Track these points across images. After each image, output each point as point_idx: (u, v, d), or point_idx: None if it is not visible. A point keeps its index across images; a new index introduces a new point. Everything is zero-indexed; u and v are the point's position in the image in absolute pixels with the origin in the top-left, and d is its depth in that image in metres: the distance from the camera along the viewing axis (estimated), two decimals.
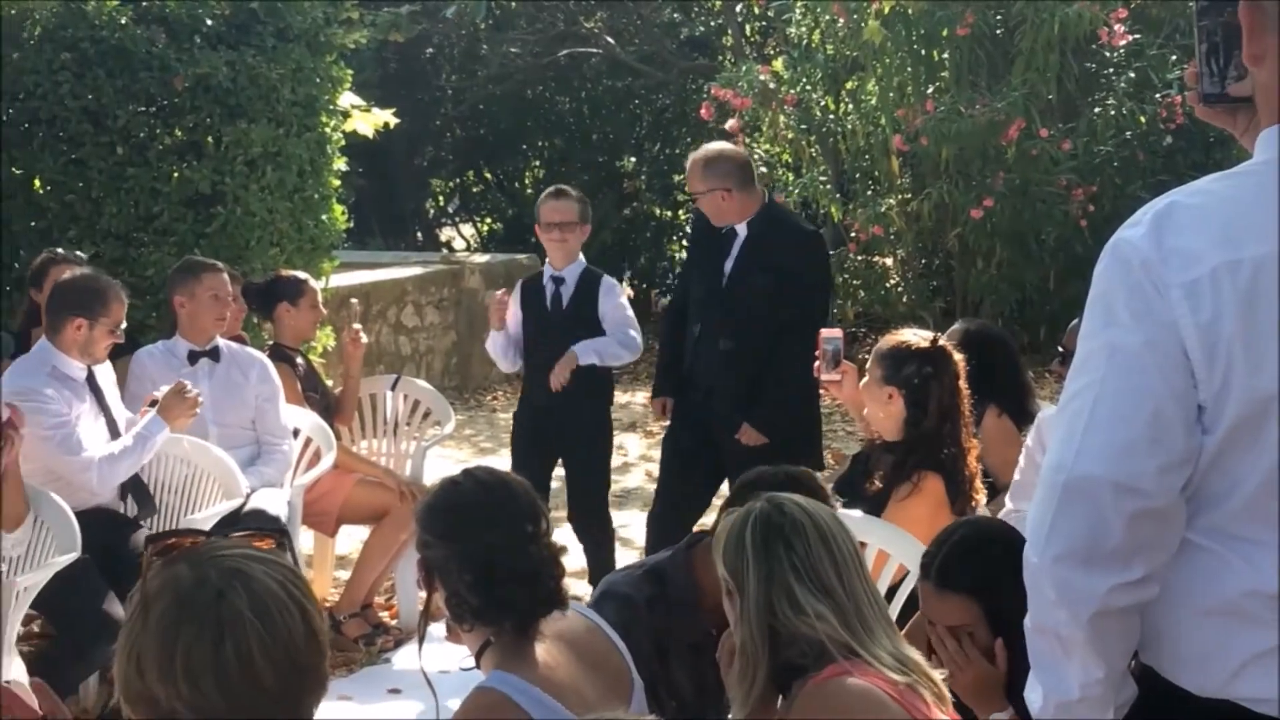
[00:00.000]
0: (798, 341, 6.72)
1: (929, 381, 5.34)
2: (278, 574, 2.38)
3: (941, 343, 5.46)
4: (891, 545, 5.13)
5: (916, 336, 5.52)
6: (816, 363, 5.97)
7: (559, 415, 7.48)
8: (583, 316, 7.56)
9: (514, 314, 7.79)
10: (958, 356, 5.43)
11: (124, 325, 6.53)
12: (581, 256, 7.73)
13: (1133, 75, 13.71)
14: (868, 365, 5.55)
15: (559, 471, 7.78)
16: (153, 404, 6.55)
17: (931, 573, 3.75)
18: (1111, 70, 14.00)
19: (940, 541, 3.83)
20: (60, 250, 7.44)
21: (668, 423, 7.58)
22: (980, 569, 3.60)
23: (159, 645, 2.32)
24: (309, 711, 2.42)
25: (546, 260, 7.79)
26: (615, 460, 8.39)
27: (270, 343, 8.03)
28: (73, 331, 6.33)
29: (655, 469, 8.04)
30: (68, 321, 6.34)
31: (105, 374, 6.60)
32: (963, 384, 5.40)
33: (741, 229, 7.10)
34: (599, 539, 7.58)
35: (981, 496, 5.38)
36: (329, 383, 8.30)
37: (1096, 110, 13.77)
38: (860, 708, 3.05)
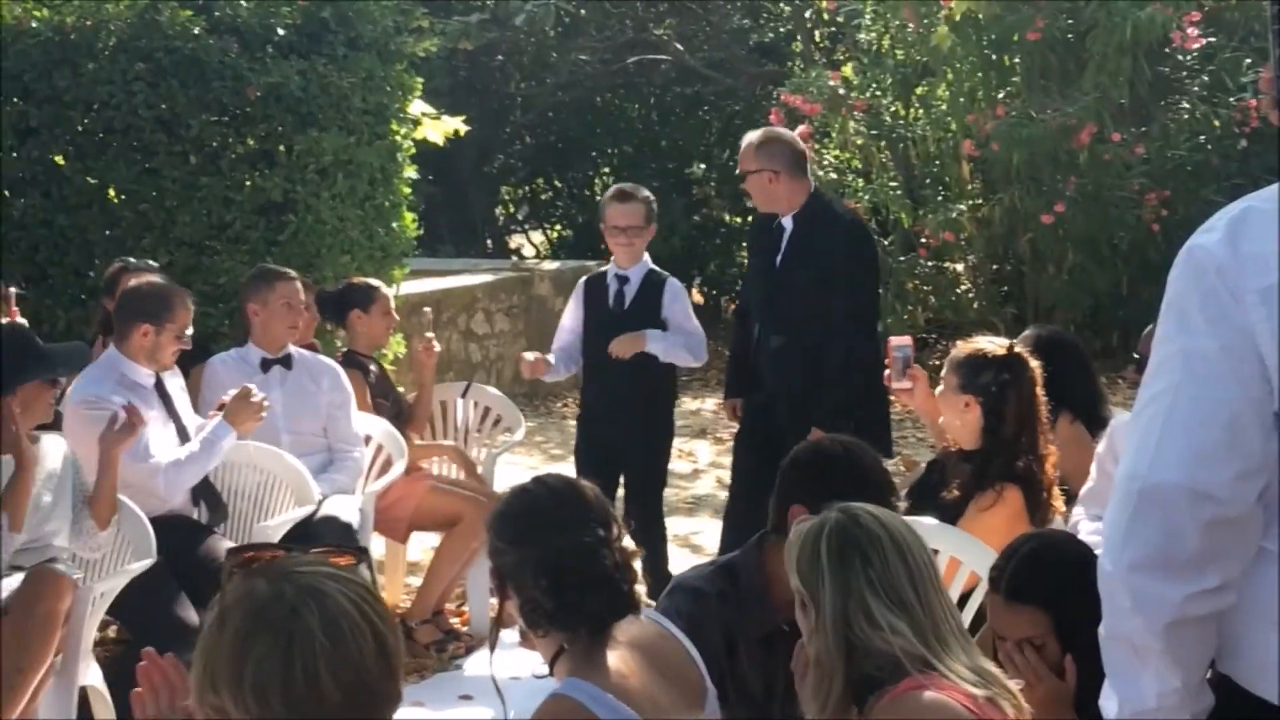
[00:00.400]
0: (849, 336, 6.78)
1: (1006, 390, 5.30)
2: (353, 593, 2.39)
3: (1018, 350, 5.43)
4: (964, 553, 5.10)
5: (992, 344, 5.48)
6: (886, 370, 5.95)
7: (618, 419, 7.50)
8: (645, 317, 7.54)
9: (574, 313, 7.83)
10: (1034, 364, 5.39)
11: (190, 331, 6.54)
12: (647, 257, 7.71)
13: (1206, 79, 13.61)
14: (943, 373, 5.51)
15: None
16: (221, 408, 6.58)
17: (1001, 585, 3.72)
18: (1185, 74, 13.89)
19: (1009, 554, 3.80)
20: (133, 259, 7.50)
21: (737, 425, 7.56)
22: (1051, 581, 3.58)
23: (231, 658, 2.33)
24: None
25: (611, 259, 7.77)
26: (685, 467, 8.39)
27: (343, 350, 8.06)
28: (139, 338, 6.36)
29: (725, 475, 8.03)
30: (134, 328, 6.36)
31: (174, 381, 6.62)
32: (1040, 392, 5.37)
33: (788, 223, 7.07)
34: (653, 543, 7.54)
35: (1060, 504, 5.34)
36: (400, 390, 8.31)
37: (1170, 114, 13.68)
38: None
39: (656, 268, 7.75)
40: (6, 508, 5.52)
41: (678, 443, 8.18)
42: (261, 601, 2.36)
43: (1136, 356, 6.16)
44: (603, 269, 7.89)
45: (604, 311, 7.68)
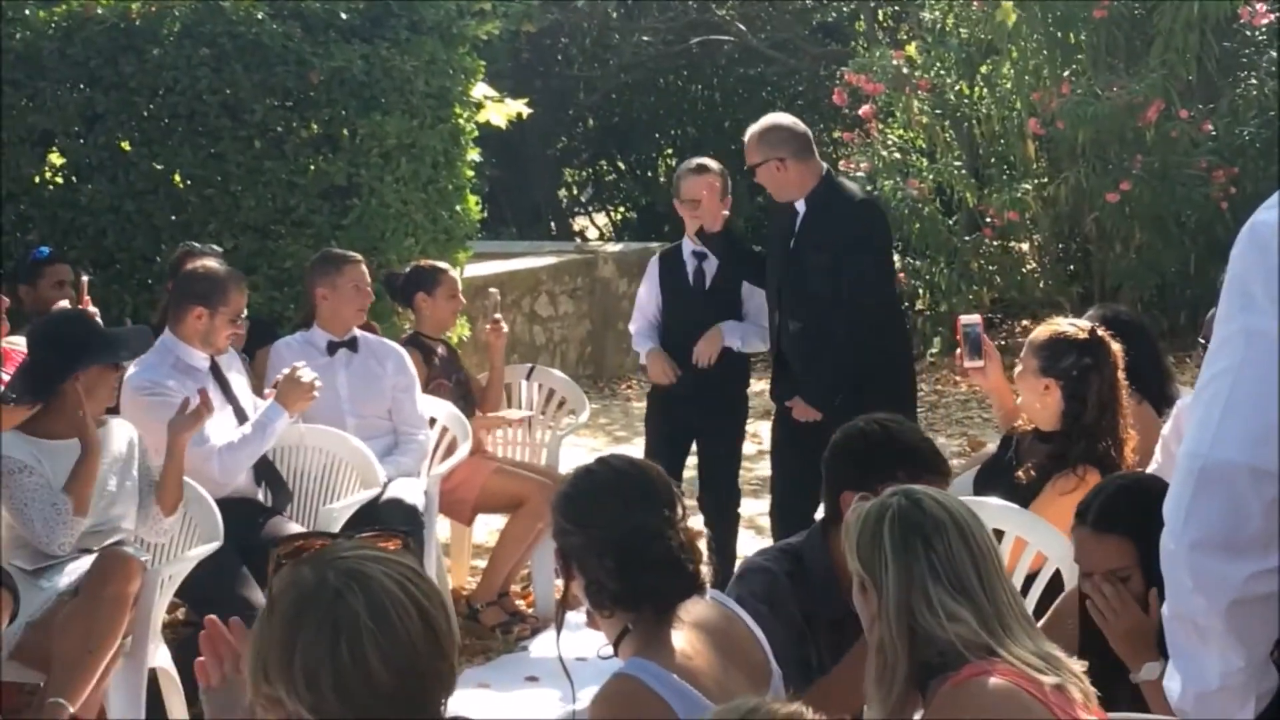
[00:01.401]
0: (854, 311, 6.67)
1: (1088, 374, 5.28)
2: (397, 573, 2.39)
3: (1101, 334, 5.40)
4: (1030, 534, 5.10)
5: (1074, 326, 5.46)
6: (958, 350, 5.92)
7: (694, 398, 7.41)
8: (728, 294, 7.50)
9: (650, 290, 7.73)
10: (1116, 347, 5.37)
11: (245, 315, 6.59)
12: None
13: (1275, 54, 13.51)
14: (1023, 355, 5.49)
15: (692, 459, 7.76)
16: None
17: (1089, 517, 3.89)
18: (1253, 49, 13.80)
19: (1098, 490, 4.00)
20: (197, 244, 7.53)
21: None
22: (1139, 513, 3.59)
23: (280, 646, 2.35)
24: (434, 711, 2.44)
25: (685, 235, 7.61)
26: (750, 448, 8.36)
27: (409, 332, 8.10)
28: (194, 321, 6.38)
29: None
30: (189, 311, 6.39)
31: (231, 364, 6.65)
32: (1121, 376, 5.35)
33: (801, 206, 6.91)
34: (727, 524, 7.56)
35: None
36: (467, 372, 8.32)
37: (1238, 90, 13.59)
38: (1002, 707, 3.01)
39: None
40: (71, 492, 5.57)
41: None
42: (306, 588, 2.37)
43: (1203, 342, 6.14)
44: (676, 244, 7.79)
45: (684, 290, 7.61)
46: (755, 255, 7.55)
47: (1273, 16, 13.12)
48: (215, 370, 6.51)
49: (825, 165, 7.12)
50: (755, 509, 8.15)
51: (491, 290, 8.26)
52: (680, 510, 3.51)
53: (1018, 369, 5.54)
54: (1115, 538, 3.85)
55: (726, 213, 7.51)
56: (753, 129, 7.13)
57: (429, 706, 2.41)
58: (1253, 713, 2.49)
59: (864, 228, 6.92)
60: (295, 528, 6.40)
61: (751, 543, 7.72)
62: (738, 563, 5.74)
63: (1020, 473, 5.45)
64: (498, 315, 8.06)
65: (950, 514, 3.21)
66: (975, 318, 5.93)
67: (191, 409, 5.87)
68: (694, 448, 7.75)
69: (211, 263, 6.63)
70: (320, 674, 2.32)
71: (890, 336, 7.02)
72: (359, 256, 7.39)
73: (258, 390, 6.79)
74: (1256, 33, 13.51)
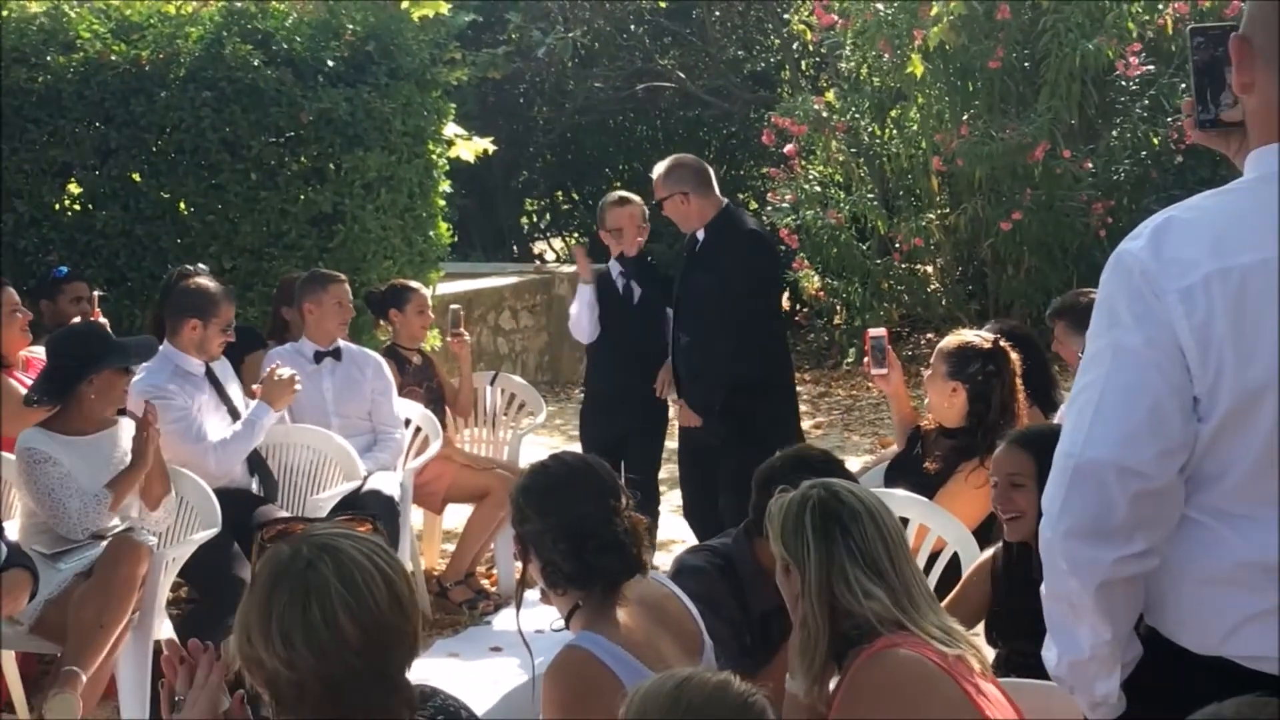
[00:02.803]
0: (737, 330, 6.62)
1: (991, 379, 5.34)
2: (365, 547, 2.41)
3: (1002, 344, 5.44)
4: (931, 520, 5.13)
5: (979, 337, 5.50)
6: (865, 359, 5.94)
7: (624, 407, 7.37)
8: (653, 304, 7.41)
9: (579, 307, 7.65)
10: (1015, 356, 5.42)
11: (234, 324, 6.57)
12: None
13: (1147, 102, 13.59)
14: (932, 361, 5.54)
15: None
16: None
17: (1011, 437, 4.43)
18: (1128, 98, 13.87)
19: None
20: (188, 266, 7.39)
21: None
22: (1045, 442, 3.72)
23: (259, 612, 2.36)
24: (399, 668, 2.44)
25: (611, 258, 7.57)
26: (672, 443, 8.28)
27: (387, 343, 8.09)
28: (189, 331, 6.38)
29: None
30: (184, 323, 6.39)
31: (223, 369, 6.64)
32: (1019, 381, 5.39)
33: (701, 233, 6.87)
34: (649, 518, 7.46)
35: None
36: (453, 380, 8.28)
37: (1114, 133, 13.66)
38: (911, 676, 3.02)
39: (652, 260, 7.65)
40: (114, 489, 5.58)
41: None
42: (282, 560, 2.38)
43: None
44: (605, 267, 7.70)
45: (616, 303, 7.56)
46: (663, 278, 7.53)
47: (1145, 69, 13.21)
48: (210, 375, 6.49)
49: (725, 200, 7.04)
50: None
51: (452, 306, 8.21)
52: (624, 499, 3.52)
53: (927, 373, 5.57)
54: (1023, 452, 4.23)
55: (643, 240, 7.51)
56: (659, 167, 7.04)
57: (392, 663, 2.41)
58: (1119, 679, 2.52)
59: (753, 257, 6.84)
60: (283, 515, 6.39)
61: (681, 527, 7.66)
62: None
63: (929, 464, 5.49)
64: (460, 329, 8.03)
65: (864, 503, 3.23)
66: (881, 331, 5.95)
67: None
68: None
69: (203, 280, 6.61)
70: (294, 632, 2.32)
71: (770, 355, 6.91)
72: (343, 276, 7.39)
73: (248, 391, 6.76)
74: (1130, 83, 13.58)
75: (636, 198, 7.64)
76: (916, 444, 5.70)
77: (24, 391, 6.15)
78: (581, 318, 7.64)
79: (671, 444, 7.62)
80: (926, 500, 5.21)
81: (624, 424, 7.46)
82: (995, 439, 5.15)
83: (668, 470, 7.84)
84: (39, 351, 6.32)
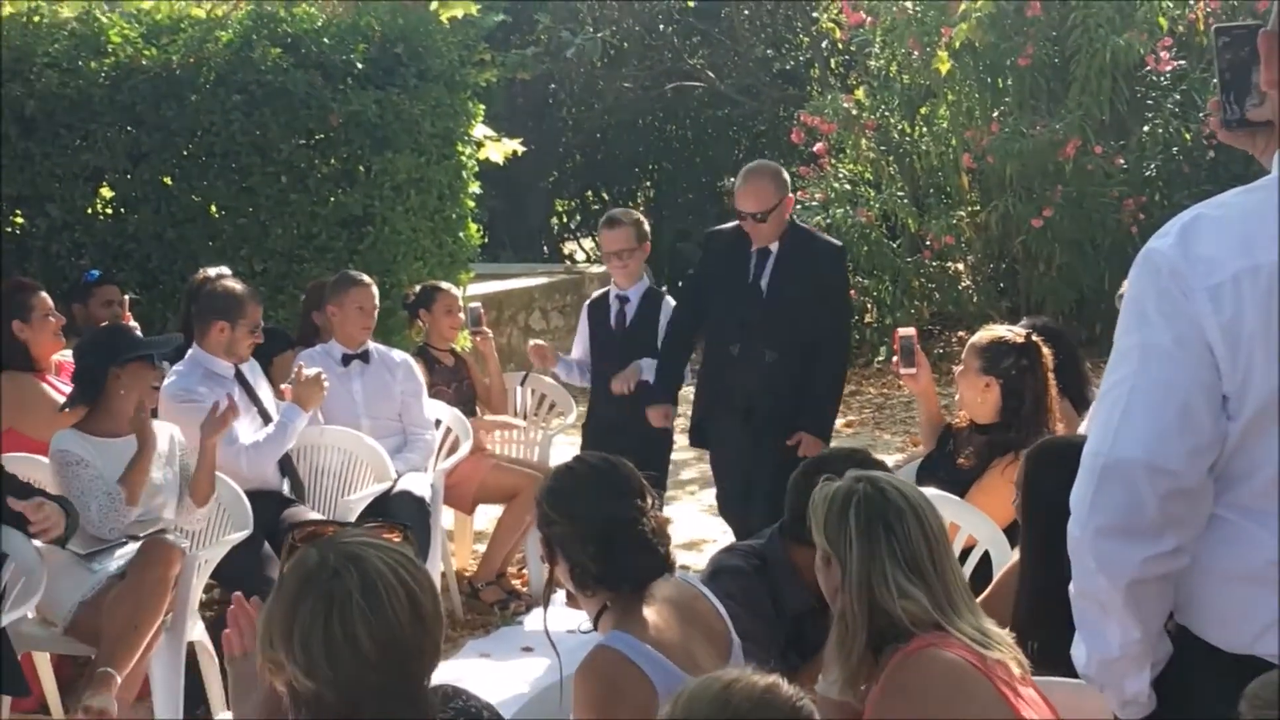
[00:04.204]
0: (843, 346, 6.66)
1: (1025, 374, 5.33)
2: (391, 559, 2.40)
3: (1035, 339, 5.43)
4: (962, 520, 5.11)
5: (1012, 332, 5.48)
6: (894, 358, 5.92)
7: (624, 429, 6.93)
8: (645, 336, 7.22)
9: (582, 333, 7.58)
10: (1047, 351, 5.40)
11: (261, 325, 6.58)
12: (645, 277, 7.45)
13: (1178, 97, 13.54)
14: (964, 357, 5.51)
15: None
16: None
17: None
18: (1159, 93, 13.82)
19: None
20: (213, 270, 7.37)
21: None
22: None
23: (283, 616, 2.37)
24: (417, 679, 2.44)
25: (612, 280, 7.46)
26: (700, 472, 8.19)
27: (420, 343, 8.12)
28: (217, 333, 6.40)
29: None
30: (212, 325, 6.41)
31: (253, 371, 6.65)
32: (1051, 376, 5.38)
33: (775, 245, 6.58)
34: None
35: None
36: (485, 379, 8.28)
37: (1145, 129, 13.61)
38: (947, 677, 3.00)
39: (654, 287, 7.44)
40: (125, 484, 5.59)
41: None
42: (310, 567, 2.39)
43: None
44: (605, 290, 7.58)
45: (606, 331, 7.42)
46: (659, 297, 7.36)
47: (1176, 64, 13.16)
48: (240, 377, 6.51)
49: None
50: (719, 529, 8.00)
51: (471, 305, 8.15)
52: (650, 500, 3.51)
53: (959, 369, 5.55)
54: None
55: (635, 264, 7.33)
56: (757, 173, 6.63)
57: (410, 677, 2.42)
58: (1150, 677, 2.51)
59: (839, 265, 6.89)
60: (314, 516, 6.40)
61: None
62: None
63: (962, 460, 5.47)
64: (481, 327, 8.03)
65: (909, 501, 3.19)
66: (910, 331, 5.93)
67: (219, 413, 5.90)
68: None
69: (229, 282, 6.62)
70: (313, 642, 2.33)
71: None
72: (368, 280, 7.35)
73: (278, 392, 6.79)
74: (1161, 78, 13.53)
75: (632, 215, 7.45)
76: (948, 442, 5.68)
77: (56, 395, 6.21)
78: (569, 380, 7.69)
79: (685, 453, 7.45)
80: (958, 499, 5.19)
81: (625, 452, 7.24)
82: (1030, 434, 5.16)
83: (700, 470, 7.80)
84: (70, 355, 6.35)
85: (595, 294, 7.79)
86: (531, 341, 7.82)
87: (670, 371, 7.03)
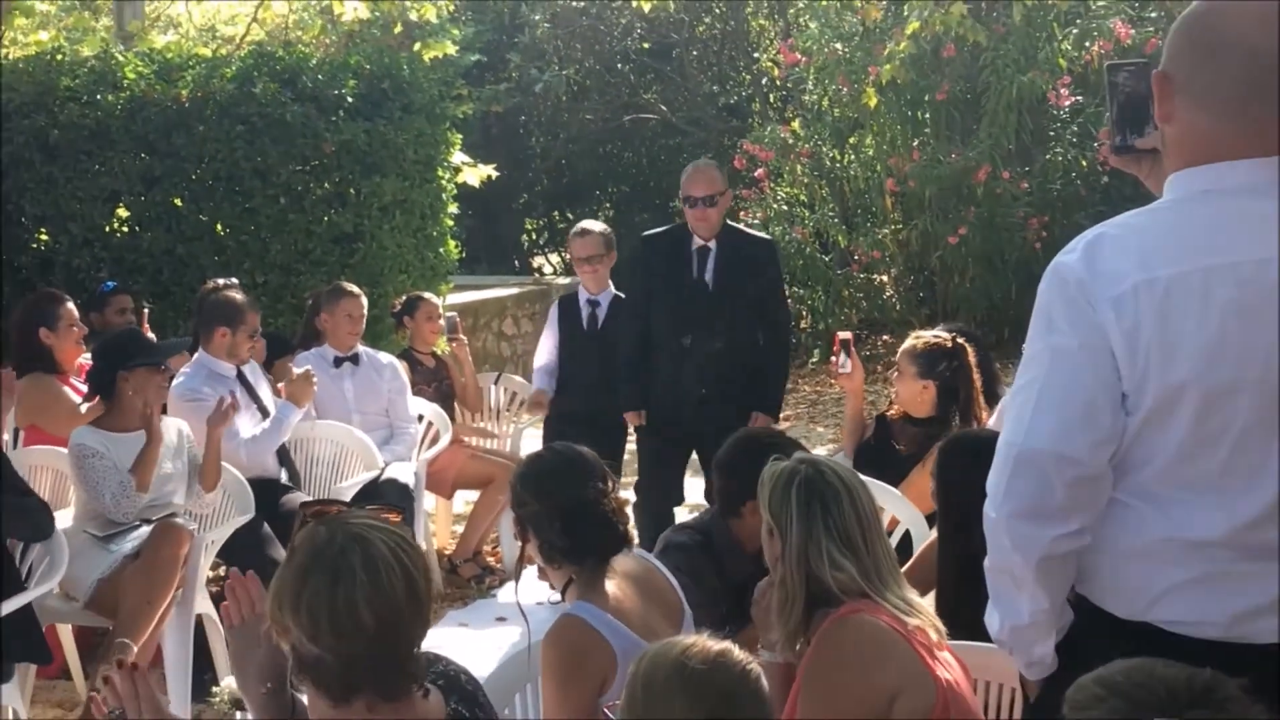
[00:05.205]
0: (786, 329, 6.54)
1: (957, 374, 5.36)
2: (392, 541, 2.40)
3: (961, 341, 5.46)
4: (886, 503, 5.11)
5: (939, 337, 5.50)
6: (833, 358, 5.89)
7: (588, 428, 6.56)
8: (615, 336, 6.94)
9: (551, 333, 7.38)
10: (972, 350, 5.44)
11: (260, 330, 6.59)
12: (611, 284, 7.30)
13: (1076, 129, 13.61)
14: (900, 364, 5.52)
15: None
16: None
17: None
18: (1059, 125, 13.89)
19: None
20: (220, 280, 7.30)
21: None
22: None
23: (292, 587, 2.36)
24: (408, 647, 2.44)
25: (581, 286, 7.31)
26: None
27: (405, 347, 8.08)
28: (219, 338, 6.39)
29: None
30: (215, 330, 6.40)
31: (253, 371, 6.63)
32: (977, 373, 5.41)
33: (713, 241, 6.39)
34: None
35: None
36: (462, 380, 8.23)
37: (1047, 156, 13.68)
38: (869, 638, 3.01)
39: (620, 293, 7.23)
40: (135, 472, 5.56)
41: None
42: (319, 543, 2.38)
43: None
44: (574, 291, 7.40)
45: (579, 332, 7.27)
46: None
47: (1074, 99, 13.23)
48: (241, 377, 6.49)
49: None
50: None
51: (448, 314, 8.08)
52: (610, 483, 3.51)
53: (896, 374, 5.56)
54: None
55: (602, 270, 7.19)
56: (704, 168, 6.52)
57: (404, 645, 2.42)
58: (1054, 642, 2.51)
59: (774, 255, 6.71)
60: (305, 499, 6.37)
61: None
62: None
63: (901, 446, 5.50)
64: (457, 334, 7.99)
65: (845, 483, 3.19)
66: (848, 334, 5.91)
67: (223, 409, 5.89)
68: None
69: (231, 292, 6.61)
70: (319, 611, 2.32)
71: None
72: (358, 291, 7.33)
73: (277, 391, 6.76)
74: (1061, 112, 13.60)
75: (597, 227, 7.28)
76: (885, 431, 5.69)
77: (74, 396, 6.24)
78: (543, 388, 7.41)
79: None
80: (885, 485, 5.19)
81: (587, 445, 7.07)
82: (964, 424, 5.26)
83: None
84: (89, 359, 6.33)
85: (564, 294, 7.57)
86: (533, 389, 7.48)
87: (637, 379, 6.65)
